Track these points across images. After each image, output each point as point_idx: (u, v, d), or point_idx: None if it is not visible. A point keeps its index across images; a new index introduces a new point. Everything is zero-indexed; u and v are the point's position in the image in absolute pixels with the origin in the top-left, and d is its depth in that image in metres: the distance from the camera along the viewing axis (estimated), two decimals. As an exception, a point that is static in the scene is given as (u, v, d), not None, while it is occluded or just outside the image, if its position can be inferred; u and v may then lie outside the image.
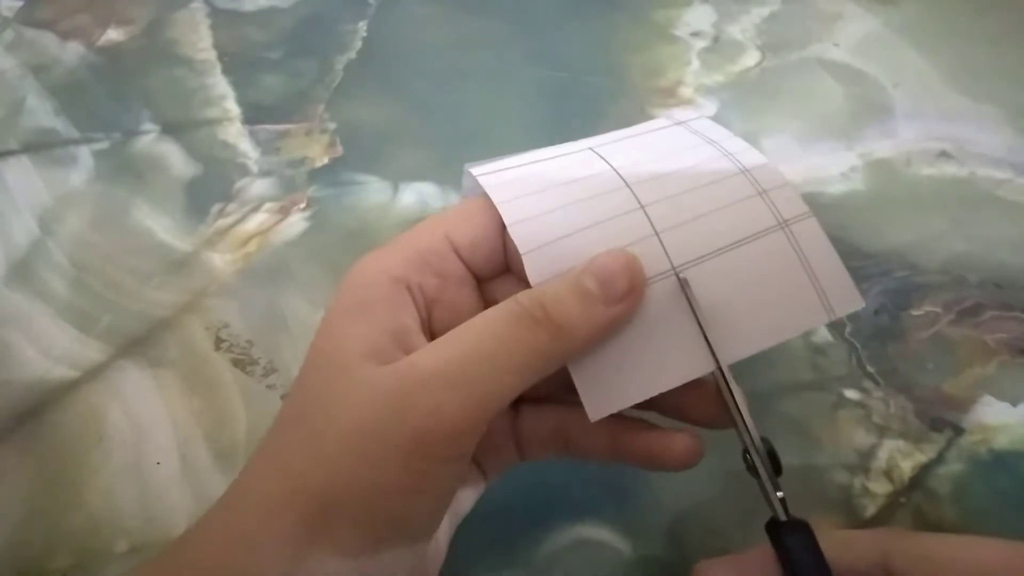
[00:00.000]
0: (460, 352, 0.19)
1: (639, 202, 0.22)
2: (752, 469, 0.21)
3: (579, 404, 0.22)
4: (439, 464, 0.19)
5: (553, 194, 0.23)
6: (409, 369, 0.19)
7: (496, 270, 0.24)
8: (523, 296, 0.20)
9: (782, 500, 0.20)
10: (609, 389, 0.21)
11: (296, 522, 0.19)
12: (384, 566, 0.20)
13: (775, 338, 0.22)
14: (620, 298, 0.20)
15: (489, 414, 0.19)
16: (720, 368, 0.21)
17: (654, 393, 0.21)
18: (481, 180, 0.23)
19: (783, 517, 0.20)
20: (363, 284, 0.21)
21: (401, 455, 0.19)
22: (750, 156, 0.24)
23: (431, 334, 0.22)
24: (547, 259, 0.21)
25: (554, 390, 0.24)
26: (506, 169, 0.24)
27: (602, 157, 0.24)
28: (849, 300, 0.22)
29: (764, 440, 0.21)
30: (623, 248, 0.21)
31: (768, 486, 0.21)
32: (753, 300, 0.22)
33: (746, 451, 0.21)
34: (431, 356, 0.19)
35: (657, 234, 0.22)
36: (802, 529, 0.20)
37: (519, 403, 0.25)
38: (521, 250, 0.21)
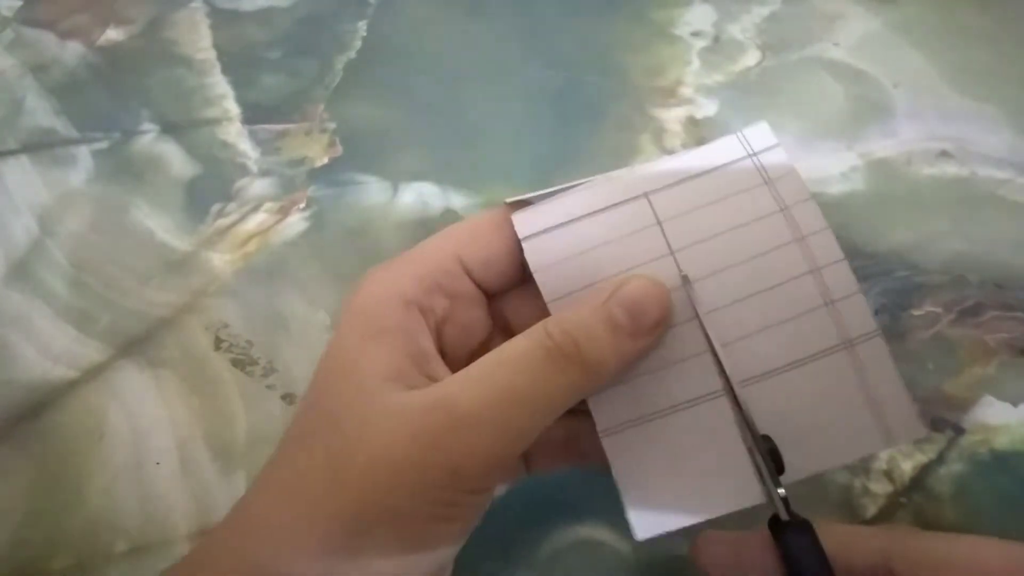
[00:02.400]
0: (496, 392, 0.19)
1: (695, 310, 0.21)
2: (755, 467, 0.21)
3: (588, 413, 0.21)
4: (471, 496, 0.19)
5: (599, 273, 0.22)
6: (443, 406, 0.19)
7: (506, 286, 0.23)
8: (553, 328, 0.20)
9: (784, 499, 0.20)
10: (658, 511, 0.21)
11: (321, 552, 0.18)
12: None
13: (829, 463, 0.21)
14: (649, 331, 0.20)
15: (522, 449, 0.20)
16: (716, 356, 0.21)
17: (703, 519, 0.21)
18: (525, 244, 0.22)
19: (784, 516, 0.20)
20: (376, 307, 0.21)
21: (433, 489, 0.19)
22: (823, 243, 0.22)
23: (441, 353, 0.22)
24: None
25: None
26: (548, 217, 0.22)
27: (658, 220, 0.22)
28: (911, 429, 0.21)
29: (765, 438, 0.21)
30: (646, 274, 0.21)
31: (770, 484, 0.21)
32: (809, 422, 0.21)
33: (749, 449, 0.21)
34: (467, 395, 0.19)
35: (712, 349, 0.21)
36: (805, 528, 0.20)
37: None
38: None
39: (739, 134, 0.23)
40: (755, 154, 0.23)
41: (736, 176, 0.22)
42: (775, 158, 0.23)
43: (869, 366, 0.21)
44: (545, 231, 0.22)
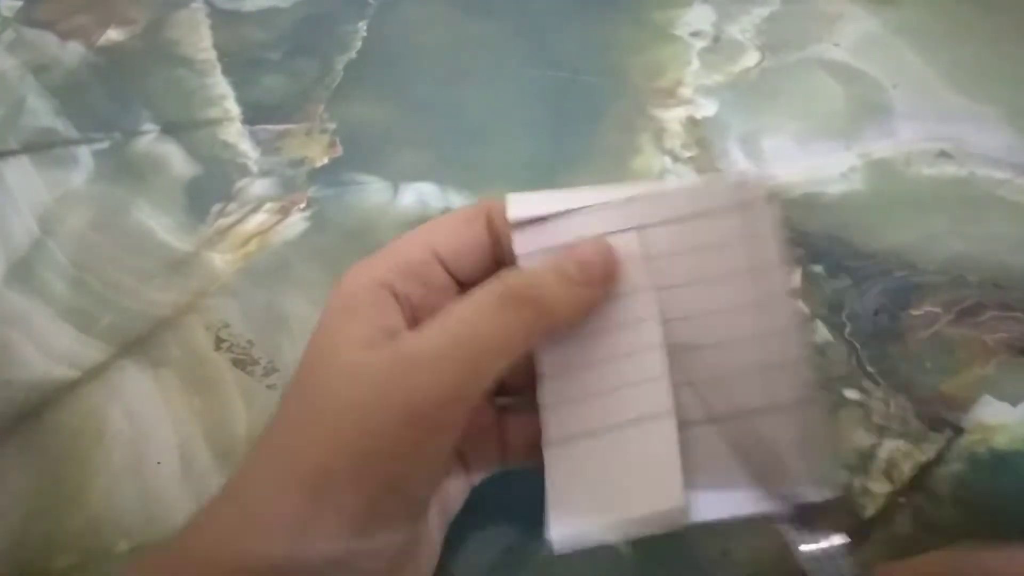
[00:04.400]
0: (449, 332, 0.21)
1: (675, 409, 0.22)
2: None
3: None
4: (431, 433, 0.20)
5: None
6: (399, 350, 0.20)
7: (479, 277, 0.24)
8: (508, 276, 0.21)
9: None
10: (580, 525, 0.22)
11: (300, 499, 0.20)
12: (379, 547, 0.21)
13: (739, 511, 0.22)
14: (598, 281, 0.22)
15: (477, 389, 0.21)
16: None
17: (623, 538, 0.22)
18: (518, 248, 0.23)
19: None
20: (352, 290, 0.23)
21: (394, 426, 0.20)
22: (785, 305, 0.23)
23: None
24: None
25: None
26: (542, 238, 0.23)
27: (650, 263, 0.23)
28: (824, 490, 0.22)
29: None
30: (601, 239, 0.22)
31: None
32: (736, 470, 0.22)
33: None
34: (420, 338, 0.21)
35: (698, 426, 0.22)
36: None
37: (503, 410, 0.25)
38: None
39: (741, 176, 0.24)
40: (745, 205, 0.23)
41: (720, 226, 0.23)
42: (763, 215, 0.22)
43: (807, 427, 0.22)
44: (539, 250, 0.23)
